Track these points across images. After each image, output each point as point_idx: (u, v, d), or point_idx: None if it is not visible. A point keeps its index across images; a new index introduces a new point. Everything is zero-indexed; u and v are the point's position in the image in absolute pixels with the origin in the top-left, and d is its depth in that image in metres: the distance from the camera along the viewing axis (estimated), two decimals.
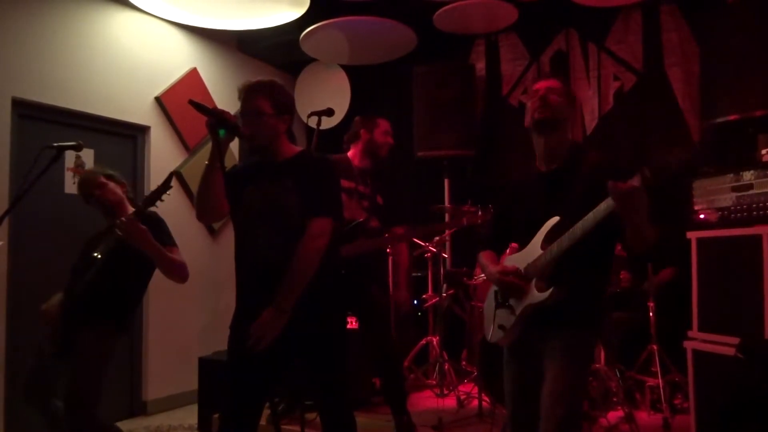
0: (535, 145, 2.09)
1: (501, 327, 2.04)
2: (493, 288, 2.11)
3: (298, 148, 2.31)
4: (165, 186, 2.56)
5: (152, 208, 2.69)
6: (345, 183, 3.16)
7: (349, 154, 3.38)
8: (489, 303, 2.14)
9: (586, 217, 1.78)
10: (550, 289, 1.87)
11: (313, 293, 2.07)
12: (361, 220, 3.20)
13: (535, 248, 1.95)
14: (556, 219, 1.92)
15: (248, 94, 2.19)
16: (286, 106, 2.23)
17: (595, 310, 2.04)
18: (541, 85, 2.05)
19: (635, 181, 1.66)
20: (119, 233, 2.60)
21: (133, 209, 2.88)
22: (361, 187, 3.29)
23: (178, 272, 2.76)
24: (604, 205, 1.73)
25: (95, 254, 2.76)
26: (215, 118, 2.07)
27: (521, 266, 1.98)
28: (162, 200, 2.60)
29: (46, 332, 2.77)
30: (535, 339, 1.96)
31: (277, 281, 2.05)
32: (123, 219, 2.60)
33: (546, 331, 1.93)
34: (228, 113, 2.13)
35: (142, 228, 2.59)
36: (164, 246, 2.72)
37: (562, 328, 1.90)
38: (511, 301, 2.00)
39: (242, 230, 2.19)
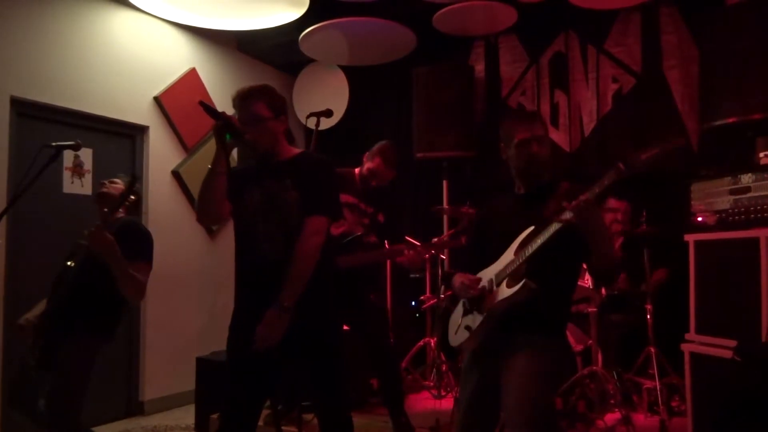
0: (518, 169, 2.12)
1: (467, 328, 2.06)
2: (462, 301, 2.15)
3: (298, 150, 2.32)
4: (129, 191, 2.53)
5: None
6: (347, 198, 3.19)
7: (358, 169, 3.40)
8: (455, 315, 2.17)
9: (551, 223, 1.84)
10: (520, 283, 1.88)
11: (311, 293, 2.08)
12: (359, 234, 3.22)
13: (508, 257, 1.99)
14: (530, 229, 1.94)
15: (244, 101, 2.19)
16: (281, 107, 2.24)
17: (560, 316, 2.08)
18: (525, 134, 2.06)
19: (608, 178, 1.76)
20: (86, 242, 2.55)
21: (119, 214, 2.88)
22: (363, 204, 3.32)
23: (134, 292, 2.67)
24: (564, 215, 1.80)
25: (69, 263, 2.71)
26: (223, 121, 2.09)
27: (493, 274, 2.01)
28: (126, 204, 2.57)
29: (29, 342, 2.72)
30: (499, 345, 1.97)
31: (277, 277, 2.05)
32: (91, 229, 2.52)
33: (510, 338, 1.95)
34: (235, 119, 2.15)
35: (109, 238, 2.51)
36: (134, 260, 2.63)
37: (526, 335, 1.92)
38: (480, 307, 2.03)
39: (243, 228, 2.21)
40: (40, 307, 2.80)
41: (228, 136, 2.10)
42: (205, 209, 2.23)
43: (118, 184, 2.84)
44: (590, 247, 1.85)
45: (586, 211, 1.76)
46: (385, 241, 3.42)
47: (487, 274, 2.04)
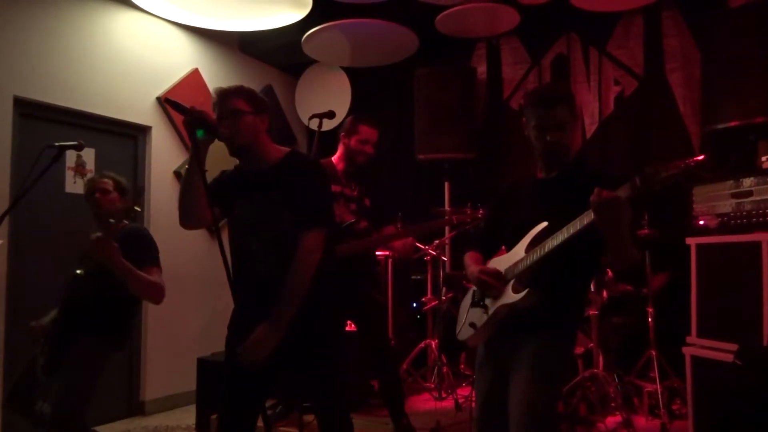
0: (536, 151, 2.04)
1: (472, 325, 2.04)
2: (473, 288, 2.11)
3: (286, 149, 2.23)
4: (134, 203, 2.57)
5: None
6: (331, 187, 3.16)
7: (335, 157, 3.35)
8: (465, 302, 2.14)
9: (569, 225, 1.77)
10: (525, 291, 1.85)
11: (311, 302, 2.05)
12: (351, 221, 3.21)
13: (519, 252, 1.95)
14: (543, 224, 1.90)
15: (223, 98, 2.16)
16: (262, 106, 2.20)
17: (570, 319, 2.03)
18: (543, 121, 1.93)
19: (623, 191, 1.64)
20: (90, 250, 2.55)
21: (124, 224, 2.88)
22: (347, 190, 3.28)
23: (151, 292, 2.67)
24: (587, 216, 1.71)
25: (78, 271, 2.71)
26: (192, 117, 2.01)
27: (503, 268, 1.97)
28: (134, 214, 2.58)
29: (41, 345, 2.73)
30: (508, 345, 1.96)
31: (271, 296, 2.02)
32: (95, 236, 2.52)
33: (518, 338, 1.93)
34: (207, 113, 2.07)
35: (112, 246, 2.50)
36: (142, 266, 2.63)
37: (534, 336, 1.90)
38: (487, 302, 2.00)
39: (236, 243, 2.17)
40: (54, 313, 2.81)
41: (200, 133, 2.02)
42: (186, 212, 2.16)
43: (107, 184, 2.82)
44: (609, 247, 1.76)
45: (611, 211, 1.65)
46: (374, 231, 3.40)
47: (498, 265, 2.00)
